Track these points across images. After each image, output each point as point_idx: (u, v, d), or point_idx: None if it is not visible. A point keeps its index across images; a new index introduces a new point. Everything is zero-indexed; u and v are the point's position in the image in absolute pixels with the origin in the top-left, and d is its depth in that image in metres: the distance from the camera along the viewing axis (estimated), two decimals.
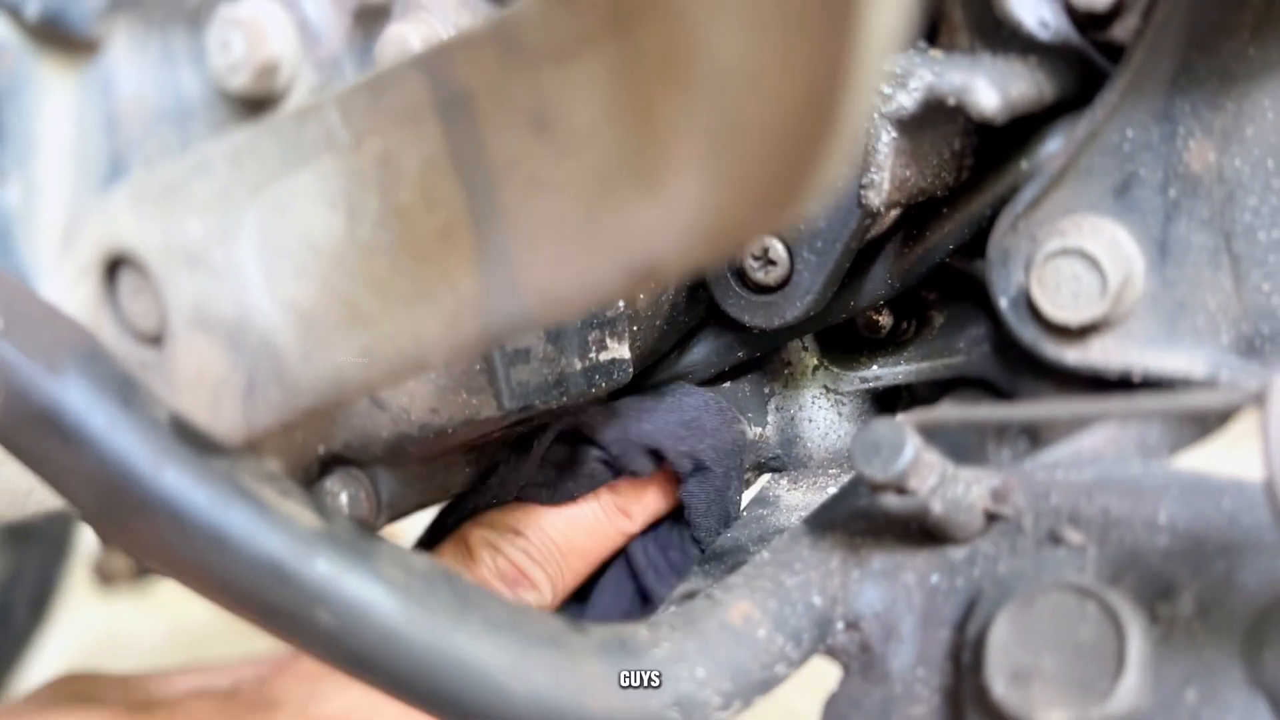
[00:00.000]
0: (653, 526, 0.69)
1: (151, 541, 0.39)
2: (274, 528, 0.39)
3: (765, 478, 0.76)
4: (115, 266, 0.51)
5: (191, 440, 0.40)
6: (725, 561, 0.65)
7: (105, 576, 0.83)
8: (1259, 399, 0.39)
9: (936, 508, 0.48)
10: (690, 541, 0.66)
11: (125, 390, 0.39)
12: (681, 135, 0.29)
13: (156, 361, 0.50)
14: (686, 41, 0.27)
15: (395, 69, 0.37)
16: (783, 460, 0.75)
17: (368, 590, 0.39)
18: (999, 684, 0.45)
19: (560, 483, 0.66)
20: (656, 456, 0.66)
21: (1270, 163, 0.53)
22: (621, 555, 0.69)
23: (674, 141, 0.30)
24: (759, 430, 0.74)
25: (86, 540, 1.71)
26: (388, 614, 0.39)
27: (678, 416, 0.66)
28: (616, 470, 0.66)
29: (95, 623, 2.19)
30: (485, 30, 0.34)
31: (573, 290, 0.35)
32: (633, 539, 0.68)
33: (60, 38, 0.51)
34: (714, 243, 0.30)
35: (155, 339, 0.51)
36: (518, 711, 0.40)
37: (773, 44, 0.25)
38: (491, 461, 0.69)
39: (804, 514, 0.70)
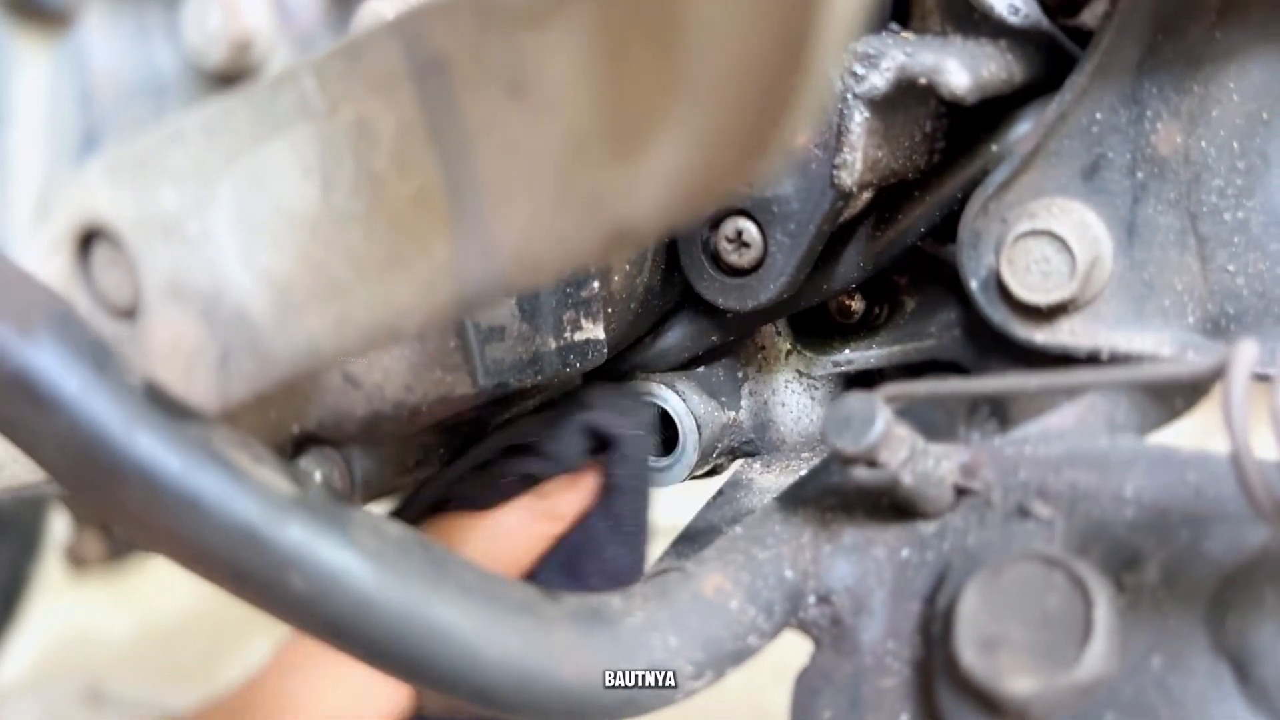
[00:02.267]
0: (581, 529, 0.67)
1: (125, 506, 0.39)
2: (247, 493, 0.39)
3: (739, 462, 0.76)
4: (89, 240, 0.51)
5: (165, 406, 0.40)
6: (698, 542, 0.65)
7: (77, 561, 0.82)
8: (1220, 370, 0.39)
9: (907, 480, 0.48)
10: (619, 534, 0.65)
11: (98, 355, 0.39)
12: (659, 94, 0.29)
13: (130, 334, 0.50)
14: None
15: (371, 35, 0.37)
16: (756, 444, 0.76)
17: (341, 556, 0.40)
18: (968, 653, 0.45)
19: (486, 490, 0.66)
20: (588, 445, 0.65)
21: (1235, 144, 0.54)
22: (554, 558, 0.67)
23: (651, 100, 0.30)
24: (733, 414, 0.75)
25: (58, 531, 1.70)
26: (361, 580, 0.39)
27: (602, 399, 0.66)
28: (546, 470, 0.65)
29: (66, 616, 2.18)
30: None
31: (548, 253, 0.35)
32: (558, 541, 0.67)
33: (35, 11, 0.51)
34: (689, 201, 0.30)
35: (129, 312, 0.50)
36: (491, 676, 0.40)
37: None
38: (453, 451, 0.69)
39: None
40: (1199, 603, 0.43)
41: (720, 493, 0.71)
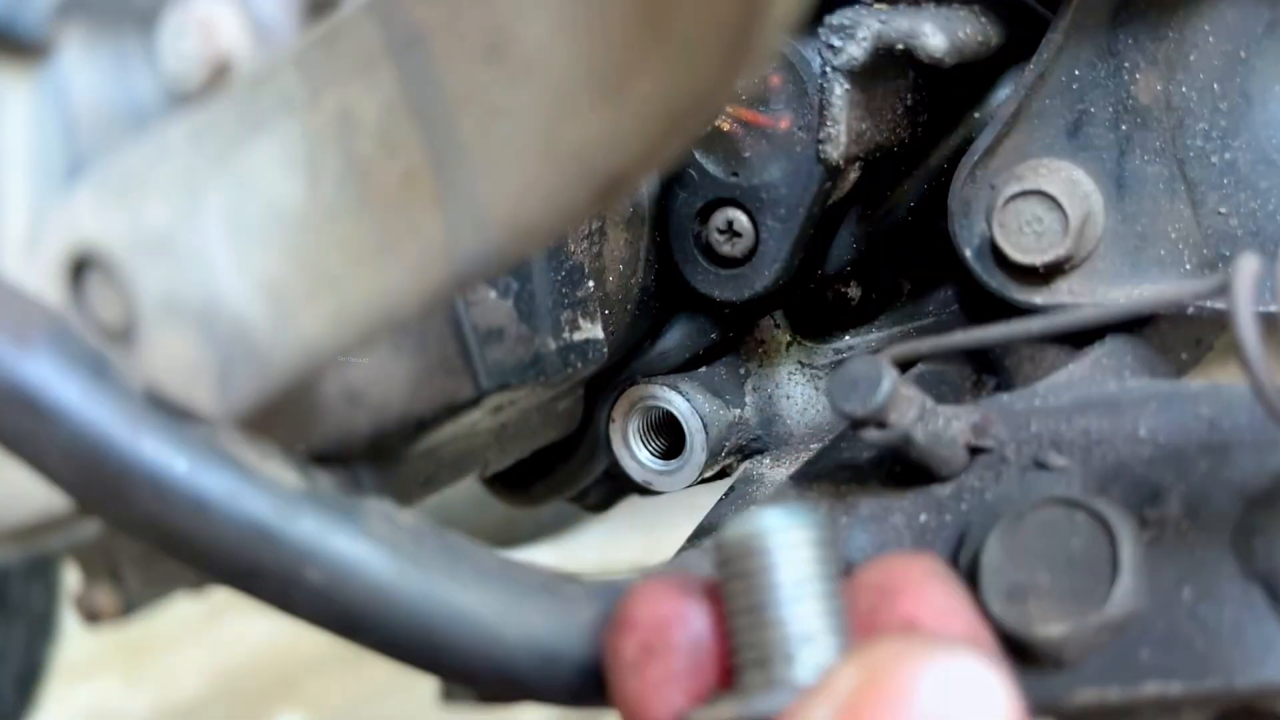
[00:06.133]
0: None
1: (134, 511, 0.38)
2: (256, 489, 0.39)
3: (748, 461, 0.76)
4: (80, 269, 0.51)
5: (166, 409, 0.40)
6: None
7: (90, 614, 0.81)
8: (1224, 286, 0.39)
9: (919, 437, 0.48)
10: None
11: (97, 364, 0.39)
12: (637, 29, 0.29)
13: (126, 358, 0.50)
14: None
15: (347, 17, 0.38)
16: (763, 441, 0.75)
17: (355, 546, 0.39)
18: (996, 604, 0.45)
19: None
20: None
21: (1216, 86, 0.54)
22: None
23: (630, 38, 0.30)
24: (738, 412, 0.75)
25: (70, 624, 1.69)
26: (377, 569, 0.39)
27: None
28: None
29: (83, 700, 2.16)
30: None
31: (540, 215, 0.35)
32: None
33: (12, 43, 0.51)
34: (674, 133, 0.30)
35: (124, 335, 0.50)
36: (514, 658, 0.40)
37: None
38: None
39: None
40: (1224, 530, 0.42)
41: (732, 489, 0.71)
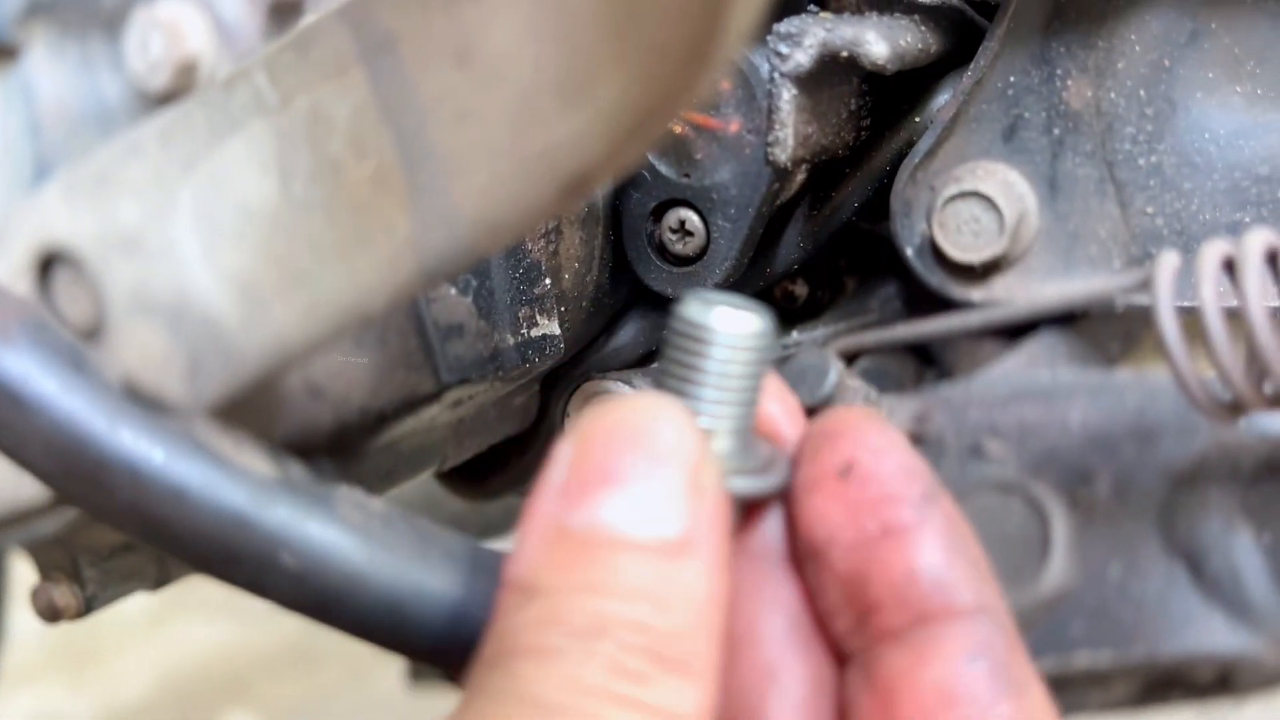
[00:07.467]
0: None
1: (113, 500, 0.39)
2: (231, 478, 0.40)
3: None
4: (48, 266, 0.52)
5: (144, 401, 0.41)
6: None
7: (50, 612, 0.81)
8: (1146, 282, 0.42)
9: None
10: None
11: (75, 357, 0.40)
12: (602, 32, 0.31)
13: (96, 352, 0.51)
14: None
15: (319, 23, 0.39)
16: None
17: (328, 532, 0.41)
18: None
19: None
20: None
21: (1142, 92, 0.57)
22: None
23: (593, 46, 0.32)
24: None
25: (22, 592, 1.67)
26: (350, 553, 0.41)
27: None
28: None
29: (25, 705, 2.14)
30: None
31: (507, 214, 0.37)
32: None
33: None
34: (637, 134, 0.32)
35: (92, 333, 0.51)
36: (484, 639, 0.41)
37: None
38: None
39: None
40: (1149, 510, 0.45)
41: None
